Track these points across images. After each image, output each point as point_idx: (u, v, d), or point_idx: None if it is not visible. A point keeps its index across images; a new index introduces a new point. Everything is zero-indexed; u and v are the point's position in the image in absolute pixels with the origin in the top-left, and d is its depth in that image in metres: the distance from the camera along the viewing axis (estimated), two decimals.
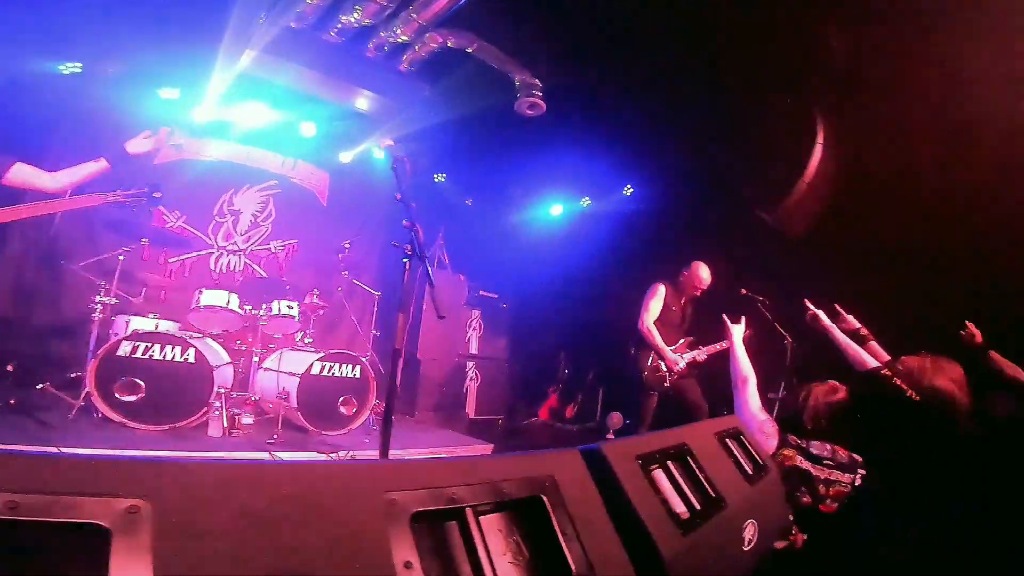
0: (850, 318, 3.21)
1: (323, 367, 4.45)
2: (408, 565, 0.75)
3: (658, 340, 4.46)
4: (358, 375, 4.67)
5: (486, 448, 5.14)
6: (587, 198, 7.73)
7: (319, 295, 5.05)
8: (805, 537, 2.19)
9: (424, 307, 6.65)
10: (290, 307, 4.68)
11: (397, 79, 5.72)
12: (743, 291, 4.49)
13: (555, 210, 8.11)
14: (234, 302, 4.41)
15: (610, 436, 5.76)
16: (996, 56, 3.45)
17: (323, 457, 3.84)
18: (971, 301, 3.62)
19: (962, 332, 3.26)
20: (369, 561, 0.71)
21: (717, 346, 4.50)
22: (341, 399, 4.59)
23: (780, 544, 2.14)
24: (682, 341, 4.63)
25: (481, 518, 0.95)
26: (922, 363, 2.38)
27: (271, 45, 5.10)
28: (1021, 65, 3.39)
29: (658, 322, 4.54)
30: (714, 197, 5.67)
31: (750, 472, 1.93)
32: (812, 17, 3.95)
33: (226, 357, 4.34)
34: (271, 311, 4.56)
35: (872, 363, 2.72)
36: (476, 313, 7.51)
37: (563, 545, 1.01)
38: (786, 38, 4.18)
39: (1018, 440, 2.93)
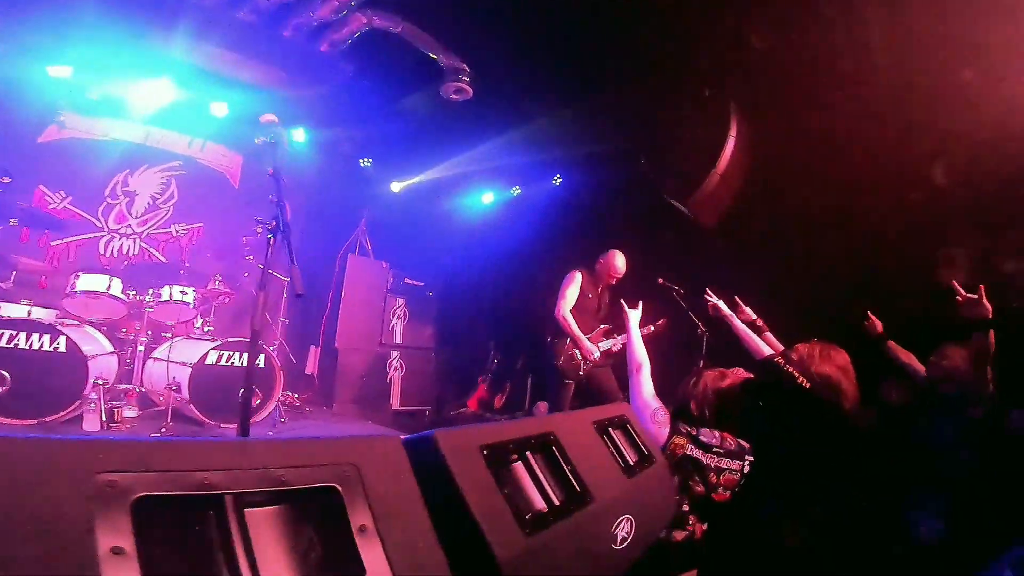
0: (747, 309, 3.27)
1: (220, 356, 4.19)
2: (118, 551, 0.66)
3: (574, 328, 4.41)
4: (261, 364, 4.41)
5: None
6: (517, 187, 7.66)
7: (222, 281, 4.73)
8: (705, 527, 2.16)
9: (343, 294, 6.40)
10: (184, 293, 4.37)
11: (318, 60, 5.44)
12: (660, 280, 4.50)
13: (486, 198, 8.01)
14: (116, 287, 4.06)
15: None
16: (894, 64, 3.63)
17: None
18: (866, 292, 3.77)
19: (864, 322, 3.38)
20: (65, 545, 0.64)
21: None
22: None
23: (679, 535, 2.11)
24: (598, 329, 4.61)
25: (251, 509, 0.83)
26: (811, 350, 2.43)
27: (177, 22, 4.75)
28: (915, 73, 3.56)
29: (575, 310, 4.49)
30: (634, 186, 5.71)
31: (631, 463, 1.83)
32: (732, 14, 4.01)
33: (108, 346, 3.99)
34: (160, 297, 4.24)
35: (767, 351, 2.76)
36: (401, 301, 7.28)
37: (357, 543, 0.90)
38: (707, 33, 4.23)
39: (905, 425, 3.07)
